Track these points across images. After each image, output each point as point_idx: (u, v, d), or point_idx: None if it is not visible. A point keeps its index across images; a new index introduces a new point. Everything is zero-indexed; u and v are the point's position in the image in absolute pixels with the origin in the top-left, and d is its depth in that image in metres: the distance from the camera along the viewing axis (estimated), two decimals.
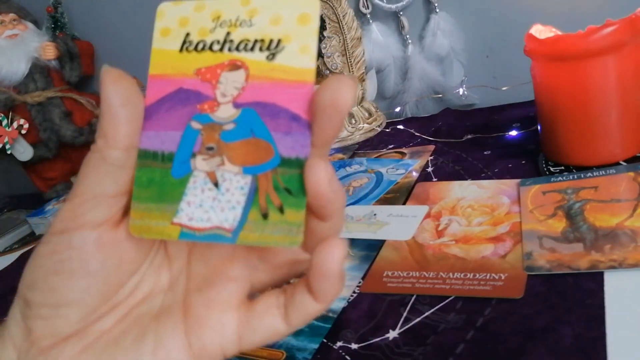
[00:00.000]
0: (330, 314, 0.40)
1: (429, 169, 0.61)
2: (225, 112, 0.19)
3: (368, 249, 0.47)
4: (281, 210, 0.19)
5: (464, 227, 0.47)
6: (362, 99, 0.81)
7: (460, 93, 0.76)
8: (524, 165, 0.55)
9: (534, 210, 0.46)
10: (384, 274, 0.43)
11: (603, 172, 0.48)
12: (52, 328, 0.20)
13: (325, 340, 0.38)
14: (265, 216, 0.19)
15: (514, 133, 0.63)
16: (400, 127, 0.77)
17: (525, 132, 0.63)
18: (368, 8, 0.79)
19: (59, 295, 0.19)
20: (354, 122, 0.78)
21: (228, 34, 0.20)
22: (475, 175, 0.56)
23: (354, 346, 0.37)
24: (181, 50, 0.20)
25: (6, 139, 0.81)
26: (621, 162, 0.49)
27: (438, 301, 0.39)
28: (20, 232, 0.80)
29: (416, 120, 0.79)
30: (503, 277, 0.39)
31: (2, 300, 0.59)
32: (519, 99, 0.72)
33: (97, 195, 0.19)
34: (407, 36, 0.79)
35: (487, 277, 0.40)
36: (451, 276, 0.41)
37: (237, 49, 0.20)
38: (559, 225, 0.43)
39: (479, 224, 0.47)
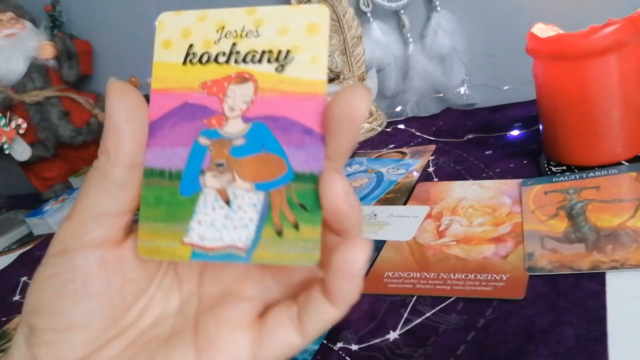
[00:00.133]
0: None
1: (430, 169, 0.61)
2: (235, 127, 0.19)
3: None
4: (296, 227, 0.18)
5: (465, 228, 0.47)
6: None
7: (462, 92, 0.75)
8: (525, 165, 0.55)
9: (535, 211, 0.46)
10: (385, 275, 0.43)
11: (605, 172, 0.48)
12: (57, 354, 0.19)
13: (325, 342, 0.38)
14: (279, 233, 0.18)
15: (515, 133, 0.63)
16: (401, 126, 0.77)
17: (527, 131, 0.62)
18: (368, 6, 0.79)
19: (64, 319, 0.19)
20: None
21: (234, 45, 0.19)
22: (477, 175, 0.56)
23: (354, 347, 0.36)
24: (185, 62, 0.19)
25: (4, 139, 0.80)
26: (623, 162, 0.49)
27: (439, 302, 0.38)
28: (18, 232, 0.80)
29: (417, 119, 0.79)
30: (504, 278, 0.39)
31: (0, 301, 0.59)
32: (520, 99, 0.72)
33: (98, 214, 0.18)
34: (408, 35, 0.79)
35: (489, 277, 0.39)
36: (452, 277, 0.40)
37: (244, 60, 0.19)
38: (560, 225, 0.43)
39: (480, 225, 0.47)
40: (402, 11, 0.78)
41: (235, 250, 0.19)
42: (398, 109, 0.81)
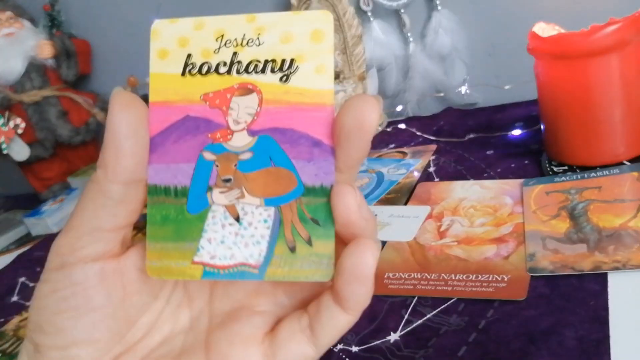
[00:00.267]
0: None
1: (431, 169, 0.61)
2: (240, 141, 0.18)
3: None
4: (309, 242, 0.18)
5: (466, 228, 0.47)
6: None
7: (463, 92, 0.75)
8: (527, 165, 0.55)
9: (537, 211, 0.45)
10: (385, 276, 0.43)
11: (607, 172, 0.48)
12: None
13: None
14: (292, 249, 0.18)
15: (516, 132, 0.63)
16: (402, 126, 0.77)
17: (528, 131, 0.62)
18: (369, 5, 0.79)
19: (67, 335, 0.18)
20: None
21: (235, 54, 0.18)
22: (478, 175, 0.56)
23: (354, 349, 0.36)
24: (184, 73, 0.18)
25: (2, 139, 0.80)
26: (625, 162, 0.49)
27: (440, 303, 0.38)
28: (16, 232, 0.79)
29: (418, 119, 0.79)
30: (506, 279, 0.39)
31: None
32: (521, 98, 0.72)
33: (94, 230, 0.18)
34: (409, 34, 0.79)
35: (490, 278, 0.39)
36: (453, 278, 0.40)
37: (246, 71, 0.18)
38: (562, 225, 0.42)
39: (481, 225, 0.46)
40: (402, 10, 0.78)
41: (247, 268, 0.18)
42: (399, 108, 0.81)
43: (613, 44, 0.45)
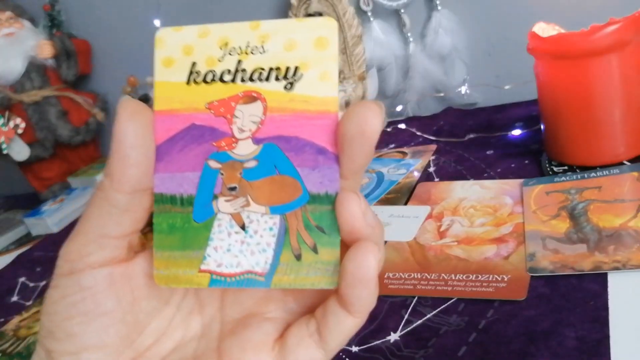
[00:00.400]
0: None
1: (431, 169, 0.61)
2: (245, 149, 0.18)
3: None
4: (315, 249, 0.18)
5: (466, 228, 0.47)
6: (363, 98, 0.80)
7: (463, 92, 0.75)
8: (527, 165, 0.55)
9: (537, 211, 0.45)
10: (385, 276, 0.43)
11: (607, 172, 0.48)
12: None
13: None
14: (298, 257, 0.18)
15: (516, 132, 0.63)
16: (402, 126, 0.77)
17: (528, 131, 0.62)
18: (369, 5, 0.79)
19: (78, 340, 0.19)
20: None
21: (239, 62, 0.18)
22: (478, 176, 0.56)
23: (354, 349, 0.36)
24: (188, 82, 0.19)
25: (2, 139, 0.80)
26: (625, 162, 0.49)
27: (440, 303, 0.38)
28: (16, 232, 0.79)
29: (418, 119, 0.79)
30: (506, 279, 0.39)
31: None
32: (521, 98, 0.72)
33: (101, 237, 0.18)
34: (409, 34, 0.79)
35: (490, 278, 0.39)
36: (453, 278, 0.40)
37: (251, 79, 0.18)
38: (562, 225, 0.42)
39: (481, 225, 0.46)
40: (402, 10, 0.78)
41: (254, 276, 0.19)
42: (399, 108, 0.81)
43: (613, 43, 0.45)
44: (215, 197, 0.19)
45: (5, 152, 0.81)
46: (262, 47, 0.18)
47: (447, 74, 0.79)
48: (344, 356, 0.36)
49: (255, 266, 0.19)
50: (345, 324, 0.18)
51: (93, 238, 0.18)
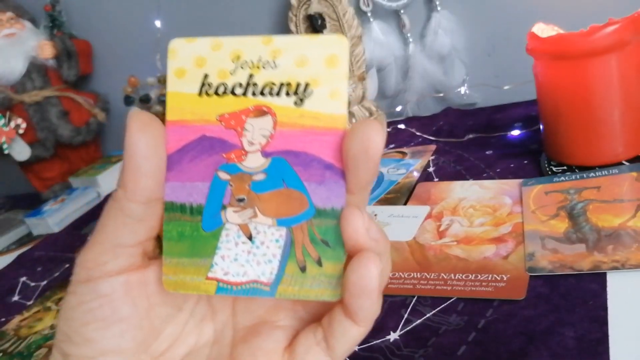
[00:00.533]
0: None
1: (430, 169, 0.61)
2: (254, 162, 0.19)
3: None
4: (319, 262, 0.18)
5: (465, 228, 0.47)
6: (363, 98, 0.81)
7: (462, 92, 0.75)
8: (526, 165, 0.55)
9: (536, 211, 0.46)
10: None
11: (606, 172, 0.48)
12: None
13: None
14: (303, 269, 0.19)
15: (516, 133, 0.63)
16: (401, 126, 0.77)
17: (528, 131, 0.62)
18: (369, 6, 0.79)
19: (95, 345, 0.19)
20: (354, 121, 0.77)
21: (251, 76, 0.19)
22: (477, 175, 0.56)
23: (354, 348, 0.36)
24: (200, 93, 0.19)
25: (3, 139, 0.80)
26: (624, 162, 0.49)
27: (439, 302, 0.38)
28: (17, 232, 0.80)
29: (417, 119, 0.79)
30: (505, 278, 0.39)
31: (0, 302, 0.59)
32: (521, 98, 0.72)
33: (116, 246, 0.19)
34: (408, 35, 0.79)
35: (489, 278, 0.39)
36: (453, 277, 0.40)
37: (261, 93, 0.18)
38: (561, 225, 0.42)
39: (480, 225, 0.47)
40: (402, 11, 0.78)
41: (259, 286, 0.19)
42: (398, 108, 0.81)
43: (612, 44, 0.45)
44: (224, 207, 0.19)
45: (6, 152, 0.81)
46: (274, 62, 0.18)
47: (446, 74, 0.79)
48: None
49: (260, 276, 0.19)
50: (350, 333, 0.19)
51: (109, 247, 0.19)
